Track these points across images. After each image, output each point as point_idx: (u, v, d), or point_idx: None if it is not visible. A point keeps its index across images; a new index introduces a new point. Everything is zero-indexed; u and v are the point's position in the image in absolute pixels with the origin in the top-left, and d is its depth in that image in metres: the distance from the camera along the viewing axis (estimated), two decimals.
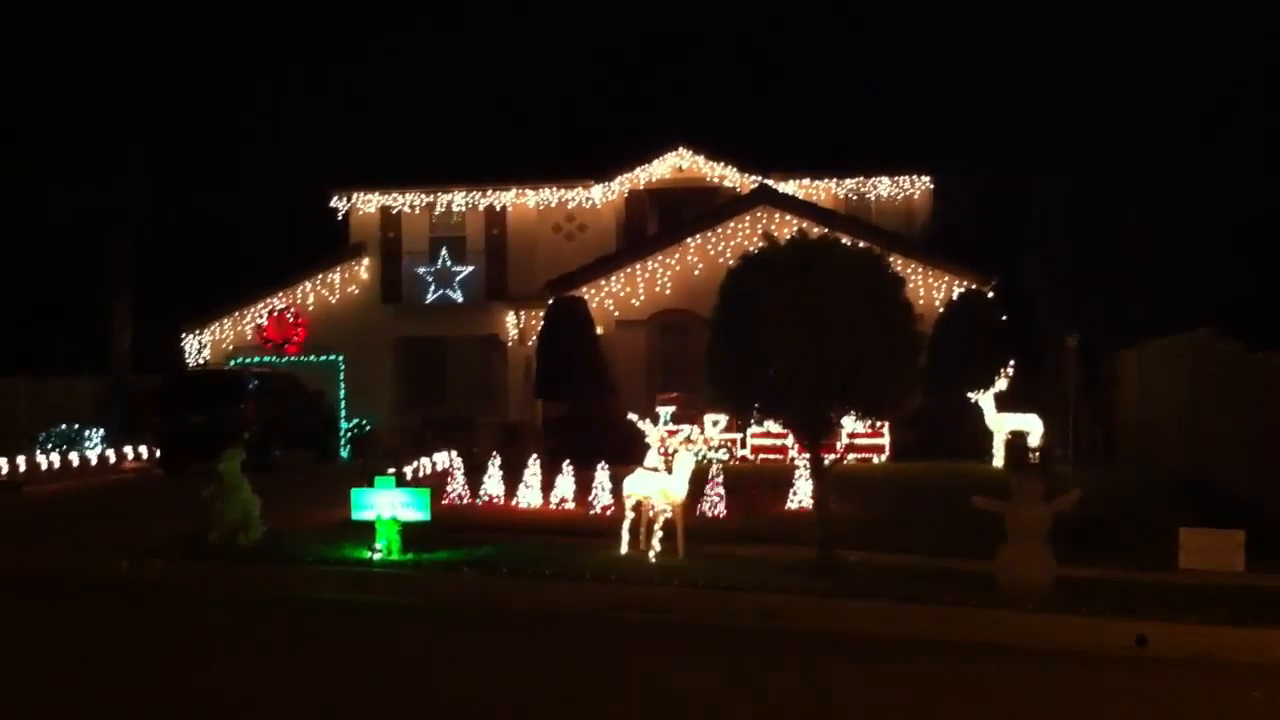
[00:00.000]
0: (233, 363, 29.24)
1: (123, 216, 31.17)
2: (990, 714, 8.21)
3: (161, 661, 9.54)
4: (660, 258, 26.62)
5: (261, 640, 10.47)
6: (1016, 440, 21.68)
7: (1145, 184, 27.67)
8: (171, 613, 11.66)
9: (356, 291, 30.12)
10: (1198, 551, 11.98)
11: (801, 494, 16.05)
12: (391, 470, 15.44)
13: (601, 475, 16.20)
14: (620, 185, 29.30)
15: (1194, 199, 30.20)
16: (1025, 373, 23.81)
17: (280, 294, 30.15)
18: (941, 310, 24.34)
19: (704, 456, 19.23)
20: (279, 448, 24.49)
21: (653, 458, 14.15)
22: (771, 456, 22.54)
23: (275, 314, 29.96)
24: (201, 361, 29.99)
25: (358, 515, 13.49)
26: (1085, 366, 22.65)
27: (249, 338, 30.14)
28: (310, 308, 30.08)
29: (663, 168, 29.18)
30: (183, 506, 15.94)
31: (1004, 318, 24.30)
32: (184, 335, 30.17)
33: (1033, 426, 21.60)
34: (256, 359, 29.01)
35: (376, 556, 13.06)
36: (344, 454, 28.48)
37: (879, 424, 22.03)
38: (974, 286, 25.04)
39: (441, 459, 21.09)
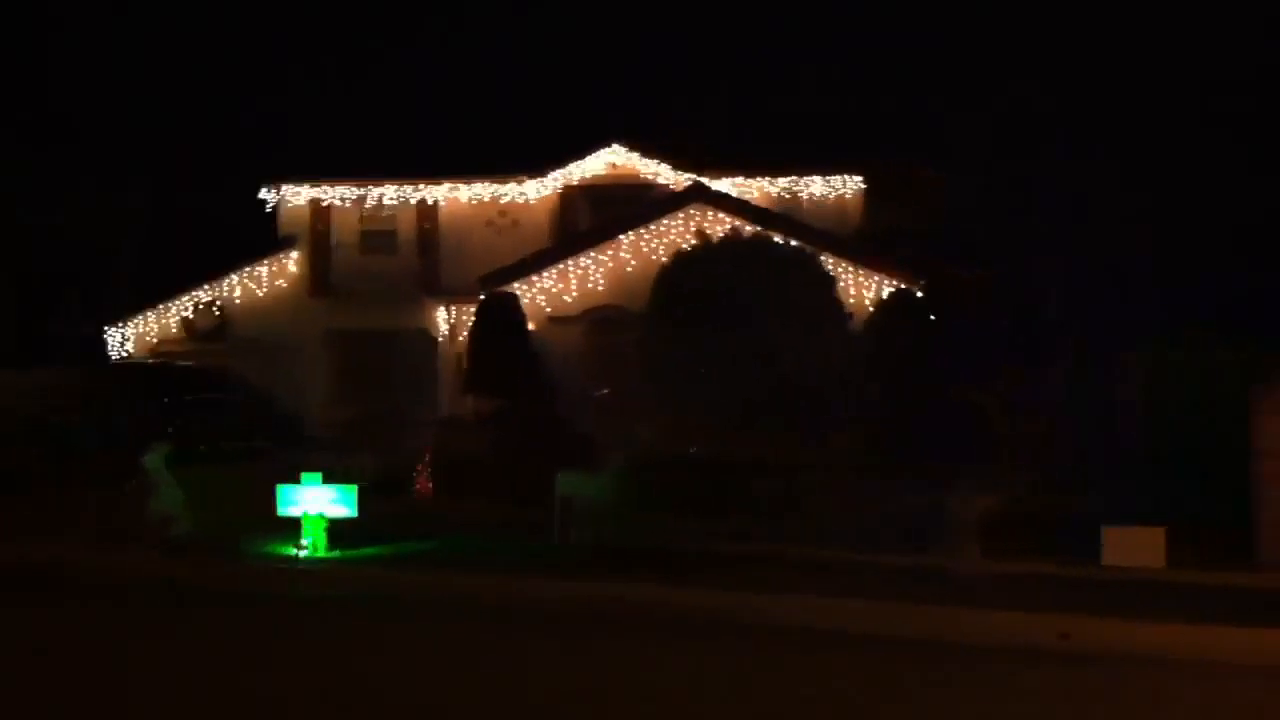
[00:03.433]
0: (156, 357, 28.76)
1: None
2: (911, 712, 8.27)
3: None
4: (593, 254, 26.54)
5: (161, 632, 10.36)
6: None
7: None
8: (80, 605, 11.48)
9: (286, 285, 29.73)
10: (1121, 548, 12.18)
11: None
12: (321, 466, 15.26)
13: (533, 471, 16.13)
14: (554, 181, 29.17)
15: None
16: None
17: (207, 286, 29.67)
18: (872, 310, 24.50)
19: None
20: (205, 443, 24.10)
21: (583, 455, 14.14)
22: None
23: (201, 306, 29.51)
24: (125, 355, 29.47)
25: (283, 511, 13.35)
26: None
27: (174, 331, 29.66)
28: (238, 301, 29.64)
29: (597, 164, 29.10)
30: (105, 502, 15.65)
31: (932, 318, 24.44)
32: (107, 329, 29.62)
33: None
34: (181, 354, 28.53)
35: (302, 554, 12.92)
36: (274, 449, 28.06)
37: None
38: (904, 286, 25.24)
39: (372, 454, 20.88)
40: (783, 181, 28.94)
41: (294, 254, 29.66)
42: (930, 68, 36.37)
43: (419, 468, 17.76)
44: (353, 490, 13.39)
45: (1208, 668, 9.13)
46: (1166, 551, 12.07)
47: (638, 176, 28.96)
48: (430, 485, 16.97)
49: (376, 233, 29.48)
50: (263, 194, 29.55)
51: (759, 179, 28.83)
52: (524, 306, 25.66)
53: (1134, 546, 12.14)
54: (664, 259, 23.63)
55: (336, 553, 13.04)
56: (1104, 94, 30.44)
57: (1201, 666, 9.16)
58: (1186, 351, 18.69)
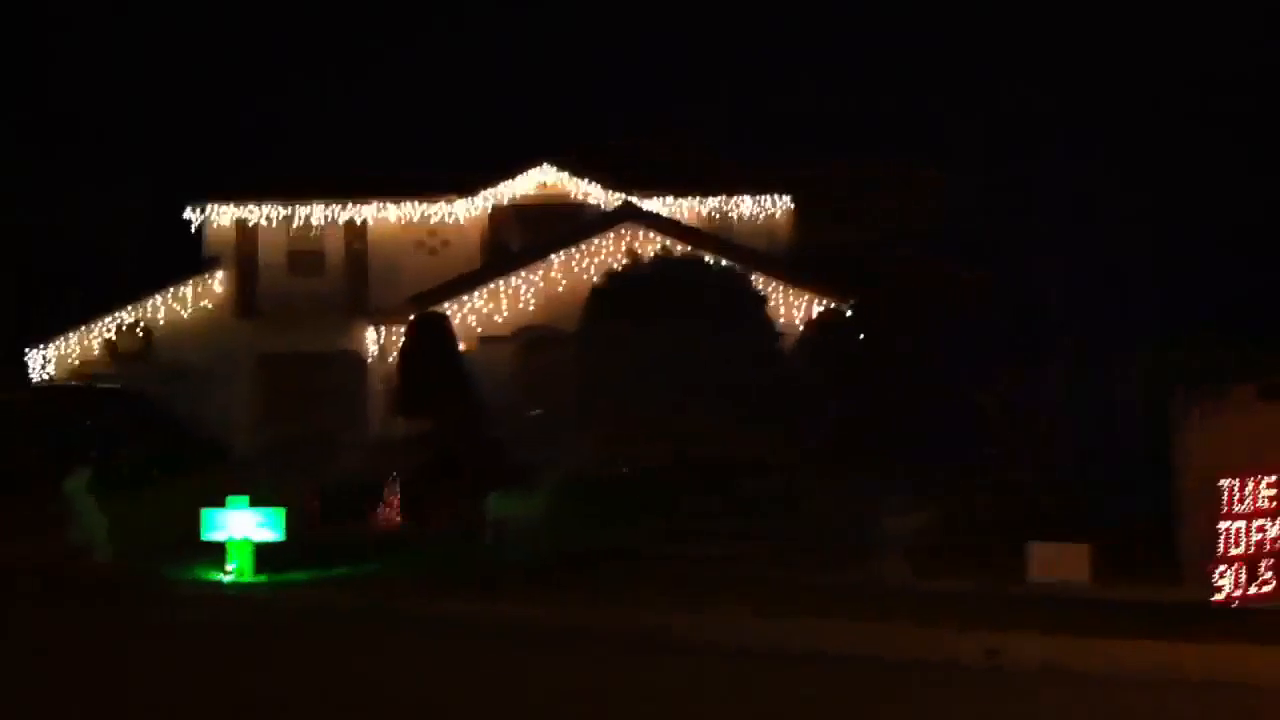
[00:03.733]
0: (77, 379, 28.20)
1: None
2: None
3: None
4: (524, 274, 26.52)
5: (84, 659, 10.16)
6: None
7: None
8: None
9: (211, 306, 29.31)
10: (1046, 564, 12.34)
11: None
12: (247, 490, 15.04)
13: (465, 493, 16.07)
14: (484, 201, 29.09)
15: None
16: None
17: (129, 308, 29.18)
18: (802, 328, 24.69)
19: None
20: (128, 466, 23.66)
21: (517, 475, 14.11)
22: None
23: (125, 329, 29.03)
24: (46, 378, 28.88)
25: (208, 536, 13.14)
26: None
27: (96, 353, 29.13)
28: (161, 322, 29.19)
29: (527, 184, 29.07)
30: (26, 526, 15.31)
31: (861, 336, 24.66)
32: (27, 350, 29.02)
33: None
34: (104, 375, 28.00)
35: (228, 579, 12.73)
36: (199, 472, 27.60)
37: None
38: (834, 304, 25.47)
39: (301, 476, 20.63)
40: (713, 201, 29.14)
41: (220, 274, 29.28)
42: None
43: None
44: (281, 513, 13.24)
45: (1116, 681, 9.30)
46: (1091, 567, 12.24)
47: (568, 196, 28.97)
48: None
49: (304, 253, 29.19)
50: (187, 213, 29.14)
51: (689, 198, 29.01)
52: (455, 327, 25.53)
53: (1059, 562, 12.30)
54: (595, 279, 23.67)
55: (264, 576, 12.86)
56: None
57: (1111, 680, 9.33)
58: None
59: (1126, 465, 16.98)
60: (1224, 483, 10.97)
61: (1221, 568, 10.89)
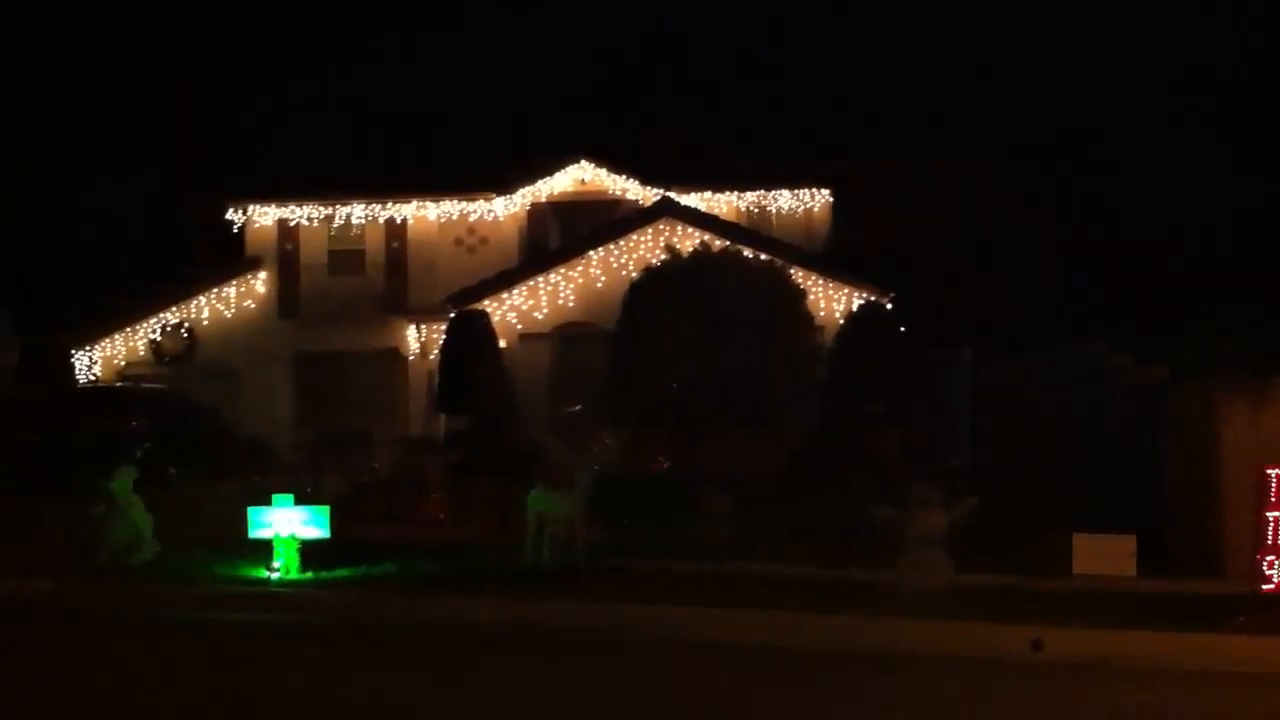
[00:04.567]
0: (123, 380, 28.49)
1: None
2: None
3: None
4: (563, 271, 26.57)
5: (143, 658, 10.25)
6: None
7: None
8: (54, 631, 11.35)
9: (253, 306, 29.55)
10: (1091, 557, 12.25)
11: None
12: (290, 488, 15.16)
13: (504, 490, 16.12)
14: (522, 198, 29.16)
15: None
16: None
17: (173, 308, 29.47)
18: (842, 322, 24.59)
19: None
20: (173, 466, 23.88)
21: (555, 473, 14.13)
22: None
23: (169, 329, 29.32)
24: (93, 379, 29.20)
25: (254, 534, 13.25)
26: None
27: (141, 354, 29.44)
28: (205, 322, 29.46)
29: (564, 180, 29.11)
30: (72, 525, 15.49)
31: (901, 329, 24.59)
32: (73, 351, 29.33)
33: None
34: (148, 376, 28.28)
35: (275, 576, 12.84)
36: (242, 471, 27.81)
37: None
38: (874, 299, 25.35)
39: (341, 475, 20.77)
40: (751, 195, 29.08)
41: (261, 274, 29.49)
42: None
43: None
44: (325, 511, 13.34)
45: (1168, 674, 9.24)
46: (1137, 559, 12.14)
47: (606, 192, 29.00)
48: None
49: (344, 252, 29.36)
50: (229, 214, 29.38)
51: (727, 193, 28.96)
52: (495, 324, 25.63)
53: (1104, 555, 12.21)
54: (634, 274, 23.66)
55: (309, 574, 12.96)
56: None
57: (1162, 673, 9.27)
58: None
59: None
60: (1272, 472, 10.85)
61: (1270, 558, 10.78)
